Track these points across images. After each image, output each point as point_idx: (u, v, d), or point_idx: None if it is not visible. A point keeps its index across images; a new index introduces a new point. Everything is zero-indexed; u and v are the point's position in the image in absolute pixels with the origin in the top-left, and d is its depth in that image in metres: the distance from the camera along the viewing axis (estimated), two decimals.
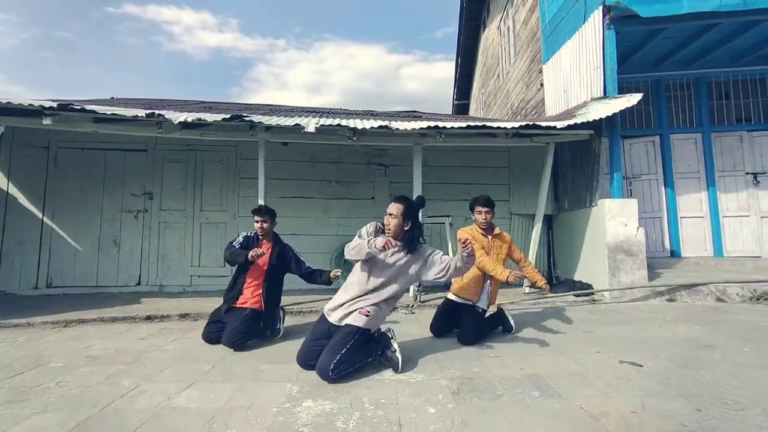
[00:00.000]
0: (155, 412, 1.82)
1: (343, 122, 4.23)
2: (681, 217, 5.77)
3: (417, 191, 4.54)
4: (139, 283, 5.30)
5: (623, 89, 4.97)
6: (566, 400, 1.88)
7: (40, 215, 5.22)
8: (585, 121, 4.06)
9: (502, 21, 8.41)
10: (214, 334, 2.90)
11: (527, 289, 4.61)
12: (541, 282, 2.91)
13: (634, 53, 5.54)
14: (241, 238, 3.13)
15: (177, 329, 3.37)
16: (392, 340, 2.35)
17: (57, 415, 1.80)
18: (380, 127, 4.09)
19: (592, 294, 4.31)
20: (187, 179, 5.52)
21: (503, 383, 2.09)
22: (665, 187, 5.84)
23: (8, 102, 3.55)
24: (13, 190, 5.20)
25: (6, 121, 4.15)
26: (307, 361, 2.30)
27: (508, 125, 4.26)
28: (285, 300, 3.41)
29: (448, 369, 2.30)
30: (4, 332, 3.32)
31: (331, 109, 7.87)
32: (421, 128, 4.12)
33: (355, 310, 2.33)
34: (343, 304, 2.38)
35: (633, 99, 4.22)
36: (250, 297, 3.00)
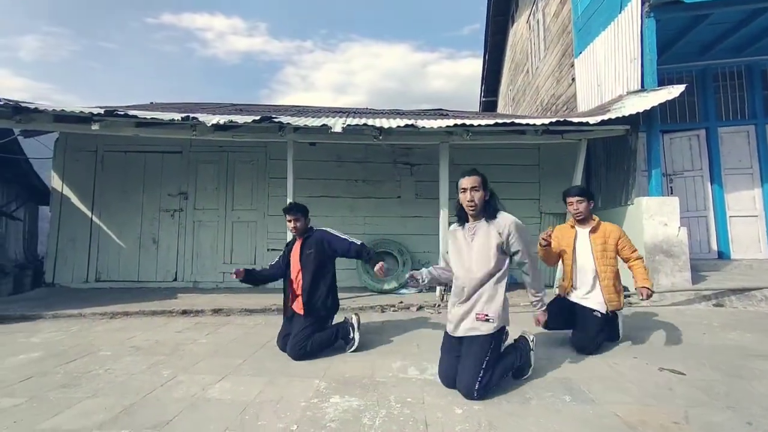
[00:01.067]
0: (191, 402, 1.91)
1: (370, 122, 4.26)
2: (730, 216, 5.38)
3: (443, 190, 4.51)
4: (175, 279, 5.58)
5: (663, 81, 4.69)
6: (600, 406, 1.81)
7: (89, 214, 5.60)
8: (620, 116, 3.87)
9: (532, 15, 8.16)
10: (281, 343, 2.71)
11: (557, 290, 4.46)
12: (643, 288, 2.53)
13: (676, 42, 5.22)
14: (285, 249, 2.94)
15: (210, 324, 3.52)
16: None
17: (105, 400, 1.94)
18: (406, 125, 4.09)
19: (629, 296, 4.11)
20: (220, 179, 5.74)
21: (532, 386, 2.04)
22: (712, 184, 5.47)
23: (62, 110, 3.86)
24: (67, 191, 5.61)
25: (61, 128, 4.49)
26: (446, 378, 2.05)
27: (538, 122, 4.14)
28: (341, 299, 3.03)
29: None
30: (60, 322, 3.60)
31: (357, 108, 7.94)
32: (447, 126, 4.08)
33: (471, 316, 2.03)
34: (455, 313, 2.09)
35: (675, 91, 3.98)
36: (297, 302, 2.73)
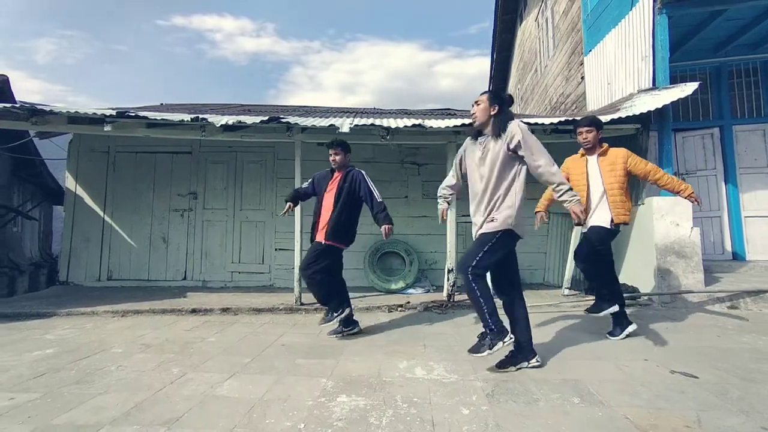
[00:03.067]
0: (200, 399, 1.93)
1: (377, 122, 4.27)
2: (745, 217, 5.26)
3: None
4: (184, 278, 5.65)
5: (676, 79, 4.62)
6: (609, 409, 1.79)
7: (101, 214, 5.70)
8: (631, 114, 3.81)
9: (540, 13, 8.08)
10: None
11: (566, 291, 4.42)
12: (685, 192, 2.69)
13: (689, 39, 5.12)
14: (306, 184, 3.32)
15: (219, 322, 3.56)
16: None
17: (117, 396, 1.97)
18: (414, 125, 4.08)
19: (638, 297, 4.05)
20: (228, 179, 5.80)
21: (540, 387, 2.02)
22: (726, 184, 5.36)
23: (76, 111, 3.93)
24: (80, 191, 5.72)
25: (74, 129, 4.58)
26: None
27: (546, 121, 4.10)
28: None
29: (482, 370, 2.26)
30: (74, 319, 3.67)
31: (364, 108, 7.95)
32: (455, 126, 4.07)
33: (483, 222, 2.28)
34: (475, 222, 2.36)
35: (688, 88, 3.91)
36: (322, 227, 3.01)
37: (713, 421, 1.67)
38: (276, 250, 5.66)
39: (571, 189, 2.23)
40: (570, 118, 4.03)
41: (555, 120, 4.07)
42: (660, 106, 3.78)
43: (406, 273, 5.21)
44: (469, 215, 5.10)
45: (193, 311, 3.92)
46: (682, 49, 5.22)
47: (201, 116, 4.05)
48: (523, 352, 2.27)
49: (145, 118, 4.01)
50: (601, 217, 2.77)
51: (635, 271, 4.36)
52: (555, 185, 2.22)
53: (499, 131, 2.24)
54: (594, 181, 2.83)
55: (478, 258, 2.21)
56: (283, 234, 5.62)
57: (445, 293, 4.36)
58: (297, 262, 4.13)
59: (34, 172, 7.68)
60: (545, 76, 7.93)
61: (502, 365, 2.23)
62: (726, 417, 1.70)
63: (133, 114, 4.01)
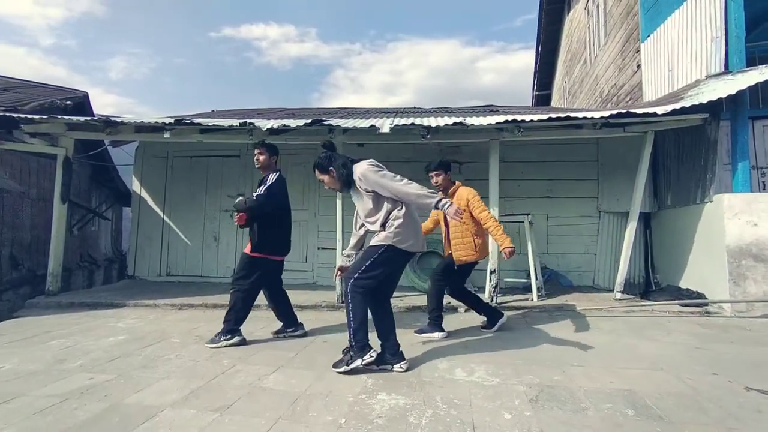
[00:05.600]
0: (249, 390, 2.04)
1: (417, 121, 4.24)
2: None
3: (494, 188, 4.37)
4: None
5: (753, 61, 4.12)
6: (670, 425, 1.64)
7: (161, 214, 6.20)
8: (697, 103, 3.47)
9: (591, 0, 7.60)
10: None
11: (618, 295, 4.12)
12: (506, 248, 2.78)
13: None
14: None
15: (265, 318, 3.73)
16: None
17: (177, 382, 2.14)
18: (454, 123, 4.01)
19: (707, 305, 3.67)
20: None
21: (589, 396, 1.91)
22: None
23: (141, 121, 4.33)
24: (144, 194, 6.28)
25: (140, 137, 5.06)
26: None
27: (596, 114, 3.85)
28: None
29: (525, 374, 2.18)
30: (139, 310, 4.04)
31: (405, 108, 7.94)
32: (497, 123, 3.94)
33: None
34: None
35: None
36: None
37: None
38: (319, 249, 5.82)
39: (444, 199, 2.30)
40: (624, 110, 3.75)
41: (606, 113, 3.80)
42: (734, 92, 3.39)
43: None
44: (514, 213, 4.91)
45: None
46: (761, 27, 4.66)
47: (249, 121, 4.27)
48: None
49: (199, 124, 4.32)
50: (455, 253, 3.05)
51: (701, 274, 3.96)
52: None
53: (351, 184, 2.41)
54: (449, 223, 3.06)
55: None
56: (326, 233, 5.77)
57: (487, 294, 4.24)
58: (338, 262, 4.21)
59: (108, 177, 8.54)
60: (595, 67, 7.44)
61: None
62: None
63: (189, 121, 4.32)
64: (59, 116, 4.49)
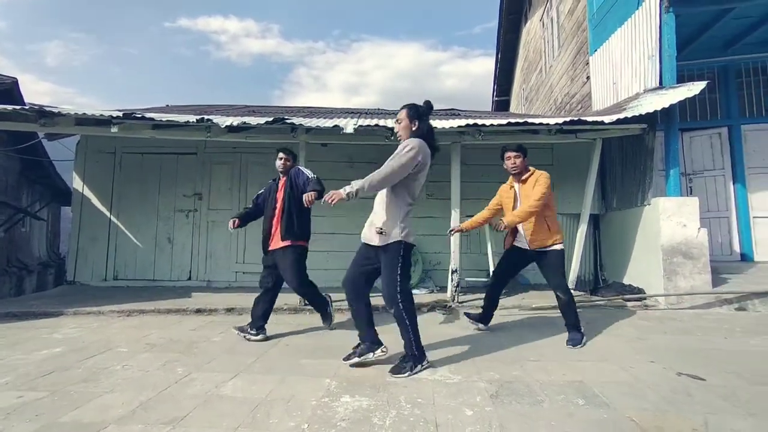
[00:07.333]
0: (205, 399, 1.94)
1: (381, 122, 4.27)
2: (754, 217, 5.19)
3: (455, 190, 4.48)
4: (189, 278, 5.68)
5: (683, 78, 4.57)
6: (614, 411, 1.77)
7: (108, 214, 5.75)
8: (637, 114, 3.78)
9: (545, 12, 8.05)
10: (264, 279, 3.14)
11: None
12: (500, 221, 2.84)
13: (697, 38, 5.07)
14: (262, 190, 3.30)
15: (223, 322, 3.58)
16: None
17: (123, 396, 1.99)
18: None
19: (645, 299, 4.01)
20: (233, 180, 5.82)
21: (544, 389, 2.01)
22: (734, 184, 5.29)
23: (83, 113, 3.97)
24: (87, 192, 5.77)
25: (82, 131, 4.63)
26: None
27: (552, 121, 4.08)
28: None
29: (486, 371, 2.25)
30: (81, 318, 3.71)
31: (369, 109, 7.95)
32: (459, 126, 4.06)
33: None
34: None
35: (695, 88, 3.87)
36: (276, 236, 3.05)
37: (720, 424, 1.65)
38: None
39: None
40: (576, 118, 4.01)
41: (560, 120, 4.05)
42: (667, 105, 3.75)
43: (411, 273, 5.20)
44: (470, 216, 5.06)
45: (198, 311, 3.94)
46: (690, 48, 5.17)
47: (206, 117, 4.07)
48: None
49: (151, 119, 4.05)
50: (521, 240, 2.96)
51: (641, 272, 4.32)
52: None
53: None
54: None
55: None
56: None
57: (449, 294, 4.35)
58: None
59: (43, 173, 7.78)
60: (550, 76, 7.89)
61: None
62: (734, 420, 1.68)
63: (140, 115, 4.04)
64: None
